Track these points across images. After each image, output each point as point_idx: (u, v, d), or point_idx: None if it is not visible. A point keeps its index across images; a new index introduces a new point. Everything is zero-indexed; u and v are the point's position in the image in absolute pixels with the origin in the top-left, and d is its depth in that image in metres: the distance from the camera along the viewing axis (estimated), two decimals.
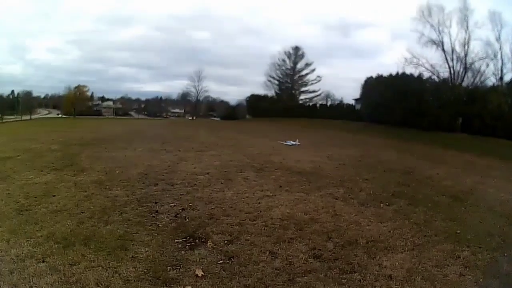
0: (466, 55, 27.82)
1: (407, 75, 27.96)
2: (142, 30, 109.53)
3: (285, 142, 13.57)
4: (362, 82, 32.59)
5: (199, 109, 74.02)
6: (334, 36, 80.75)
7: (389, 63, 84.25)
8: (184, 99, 71.86)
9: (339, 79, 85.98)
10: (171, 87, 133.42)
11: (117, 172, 6.73)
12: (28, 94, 68.85)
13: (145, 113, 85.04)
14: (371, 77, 31.42)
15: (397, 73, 28.45)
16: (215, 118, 76.51)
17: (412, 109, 25.00)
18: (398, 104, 25.35)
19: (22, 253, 3.20)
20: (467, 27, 27.54)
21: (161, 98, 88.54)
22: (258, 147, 11.64)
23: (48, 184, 5.72)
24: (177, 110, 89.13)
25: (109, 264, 2.96)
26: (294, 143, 13.33)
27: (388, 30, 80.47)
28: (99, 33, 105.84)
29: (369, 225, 4.07)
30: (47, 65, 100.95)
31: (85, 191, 5.31)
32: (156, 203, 4.75)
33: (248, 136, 16.10)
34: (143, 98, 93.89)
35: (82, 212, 4.35)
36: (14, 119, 54.23)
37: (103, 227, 3.84)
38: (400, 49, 76.37)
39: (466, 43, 27.69)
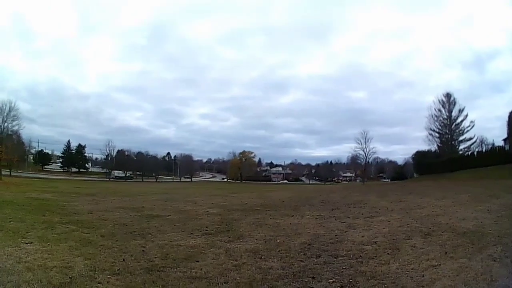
0: None
1: None
2: (298, 94, 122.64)
3: None
4: (506, 118, 31.06)
5: (369, 171, 74.27)
6: (472, 74, 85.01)
7: None
8: (353, 162, 73.11)
9: (486, 120, 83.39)
10: (339, 151, 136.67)
11: (278, 241, 6.47)
12: (187, 157, 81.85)
13: (316, 178, 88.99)
14: None
15: None
16: (385, 180, 73.97)
17: None
18: None
19: None
20: None
21: (331, 162, 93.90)
22: (426, 208, 11.08)
23: (194, 248, 5.89)
24: (348, 174, 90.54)
25: None
26: None
27: None
28: (254, 99, 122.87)
29: None
30: (203, 130, 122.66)
31: (235, 260, 5.11)
32: (313, 278, 4.31)
33: (417, 197, 15.24)
34: (313, 163, 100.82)
35: (224, 283, 4.06)
36: (171, 180, 64.60)
37: None
38: None
39: None
